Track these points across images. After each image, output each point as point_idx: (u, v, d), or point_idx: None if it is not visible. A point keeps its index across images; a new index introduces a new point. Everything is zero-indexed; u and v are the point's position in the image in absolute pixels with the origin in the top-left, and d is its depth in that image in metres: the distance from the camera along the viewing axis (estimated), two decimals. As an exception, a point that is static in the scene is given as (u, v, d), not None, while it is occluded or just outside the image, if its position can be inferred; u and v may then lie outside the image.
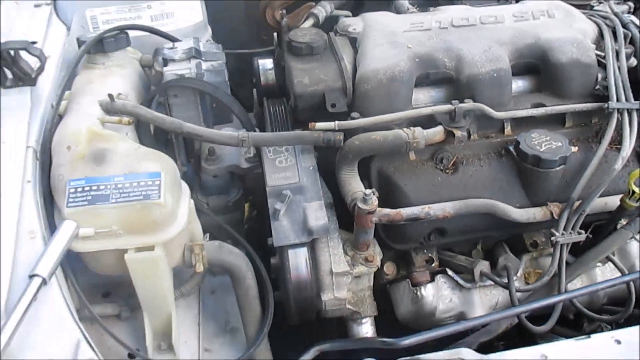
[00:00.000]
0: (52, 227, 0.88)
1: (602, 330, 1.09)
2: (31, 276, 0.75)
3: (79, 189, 0.86)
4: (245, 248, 1.03)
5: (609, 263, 1.06)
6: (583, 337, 0.76)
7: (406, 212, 0.95)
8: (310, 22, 1.21)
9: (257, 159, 1.15)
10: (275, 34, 1.26)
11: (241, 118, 1.08)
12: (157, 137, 1.14)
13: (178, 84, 1.05)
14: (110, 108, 0.98)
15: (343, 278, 0.98)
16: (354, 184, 0.98)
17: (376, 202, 0.91)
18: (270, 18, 1.20)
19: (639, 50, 1.11)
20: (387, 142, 0.95)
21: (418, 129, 0.96)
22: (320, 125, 0.97)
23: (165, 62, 1.08)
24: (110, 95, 0.99)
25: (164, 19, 1.29)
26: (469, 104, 1.00)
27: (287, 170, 1.02)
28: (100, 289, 1.05)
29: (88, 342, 0.73)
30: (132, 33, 1.17)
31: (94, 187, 0.86)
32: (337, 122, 0.97)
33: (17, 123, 0.97)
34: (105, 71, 1.09)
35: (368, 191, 0.91)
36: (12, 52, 0.98)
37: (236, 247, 1.01)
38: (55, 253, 0.79)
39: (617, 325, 1.09)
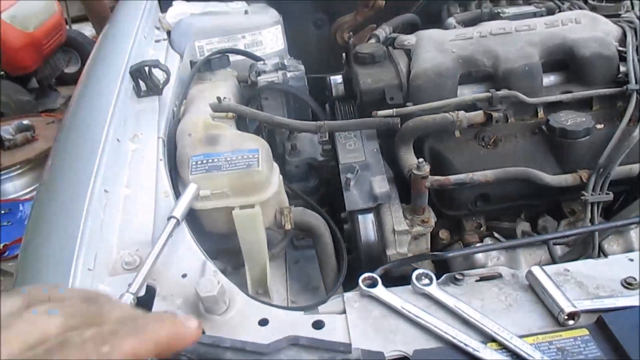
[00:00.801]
0: (176, 193, 1.16)
1: None
2: (169, 218, 1.02)
3: (199, 162, 1.14)
4: (323, 215, 1.26)
5: (642, 227, 1.21)
6: (601, 257, 0.92)
7: (454, 177, 1.15)
8: (372, 41, 1.47)
9: (330, 153, 1.40)
10: (344, 54, 1.54)
11: (317, 111, 1.34)
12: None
13: (269, 87, 1.34)
14: (218, 107, 1.27)
15: (404, 236, 1.18)
16: (410, 159, 1.20)
17: (428, 169, 1.13)
18: (340, 39, 1.47)
19: (659, 46, 1.28)
20: (436, 122, 1.17)
21: (461, 112, 1.18)
22: (381, 112, 1.21)
23: (258, 73, 1.38)
24: (218, 98, 1.28)
25: (255, 46, 1.60)
26: (504, 91, 1.21)
27: (355, 151, 1.26)
28: (210, 254, 1.31)
29: (211, 262, 0.98)
30: (231, 58, 1.49)
31: (210, 160, 1.14)
32: (395, 109, 1.21)
33: (150, 121, 1.27)
34: (212, 84, 1.41)
35: (421, 160, 1.13)
36: (146, 69, 1.30)
37: (315, 214, 1.25)
38: (185, 203, 1.06)
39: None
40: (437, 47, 1.32)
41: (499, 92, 1.20)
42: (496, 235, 1.23)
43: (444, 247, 1.28)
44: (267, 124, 1.29)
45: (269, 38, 1.62)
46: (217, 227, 1.17)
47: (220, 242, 1.24)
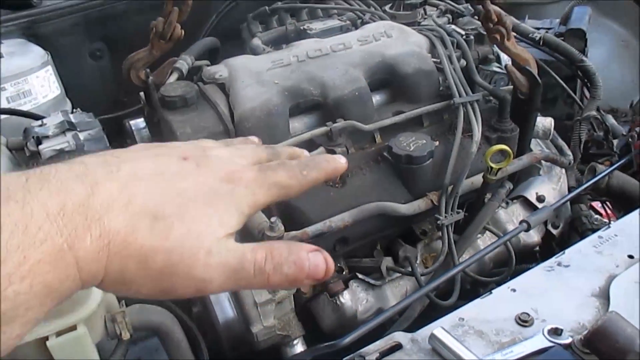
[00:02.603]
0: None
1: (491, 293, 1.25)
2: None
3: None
4: (164, 304, 1.02)
5: (487, 233, 1.23)
6: (486, 294, 0.88)
7: (311, 229, 1.02)
8: (175, 76, 1.24)
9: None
10: (141, 93, 1.28)
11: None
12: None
13: (60, 160, 1.03)
14: (-10, 198, 0.94)
15: (268, 306, 1.02)
16: (257, 217, 1.03)
17: (282, 228, 0.97)
18: (135, 78, 1.21)
19: (466, 52, 1.30)
20: (280, 171, 1.02)
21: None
22: (213, 169, 1.01)
23: (39, 140, 1.06)
24: (-13, 185, 0.94)
25: (21, 98, 1.25)
26: (341, 123, 1.11)
27: (190, 218, 1.04)
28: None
29: None
30: (-10, 119, 1.13)
31: (-4, 281, 0.82)
32: (228, 162, 1.02)
33: None
34: (-28, 163, 1.04)
35: (273, 219, 0.97)
36: None
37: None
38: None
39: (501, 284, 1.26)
40: (256, 79, 1.16)
41: (336, 125, 1.10)
42: (360, 276, 1.14)
43: (307, 301, 1.15)
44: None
45: (39, 84, 1.28)
46: (25, 365, 0.86)
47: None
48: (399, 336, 0.82)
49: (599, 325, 0.71)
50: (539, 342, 0.78)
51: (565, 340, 0.77)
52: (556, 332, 0.78)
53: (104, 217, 0.40)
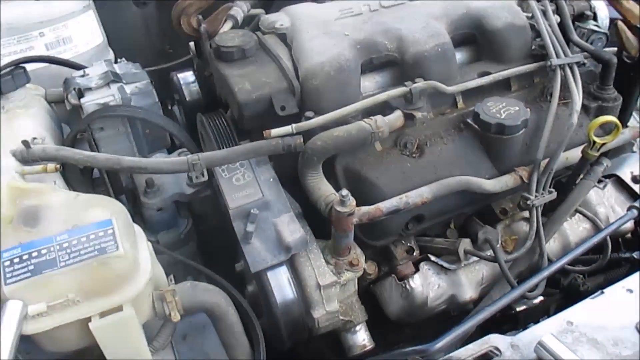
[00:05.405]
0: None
1: (575, 281, 1.11)
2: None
3: (16, 260, 0.71)
4: (217, 280, 0.92)
5: (576, 215, 1.08)
6: (597, 294, 0.75)
7: (385, 205, 0.89)
8: (229, 24, 1.10)
9: (200, 182, 1.04)
10: (191, 44, 1.16)
11: (183, 140, 0.97)
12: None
13: (103, 114, 0.91)
14: (27, 156, 0.83)
15: (332, 289, 0.91)
16: (323, 188, 0.91)
17: (354, 203, 0.85)
18: (187, 26, 1.08)
19: (561, 6, 1.12)
20: (352, 137, 0.88)
21: (379, 117, 0.91)
22: (276, 131, 0.89)
23: (81, 92, 0.94)
24: (24, 142, 0.83)
25: (60, 45, 1.13)
26: (422, 84, 0.96)
27: (247, 187, 0.92)
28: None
29: None
30: (28, 67, 1.01)
31: (34, 254, 0.72)
32: (293, 125, 0.89)
33: None
34: (8, 115, 0.93)
35: (345, 192, 0.84)
36: None
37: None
38: (7, 342, 0.65)
39: (589, 274, 1.11)
40: (323, 30, 1.02)
41: (417, 85, 0.95)
42: (433, 258, 1.01)
43: (371, 282, 1.03)
44: (113, 170, 0.89)
45: (80, 31, 1.16)
46: (67, 346, 0.77)
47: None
48: (496, 340, 0.70)
49: None
50: (673, 359, 0.65)
51: None
52: (693, 347, 0.65)
53: None
